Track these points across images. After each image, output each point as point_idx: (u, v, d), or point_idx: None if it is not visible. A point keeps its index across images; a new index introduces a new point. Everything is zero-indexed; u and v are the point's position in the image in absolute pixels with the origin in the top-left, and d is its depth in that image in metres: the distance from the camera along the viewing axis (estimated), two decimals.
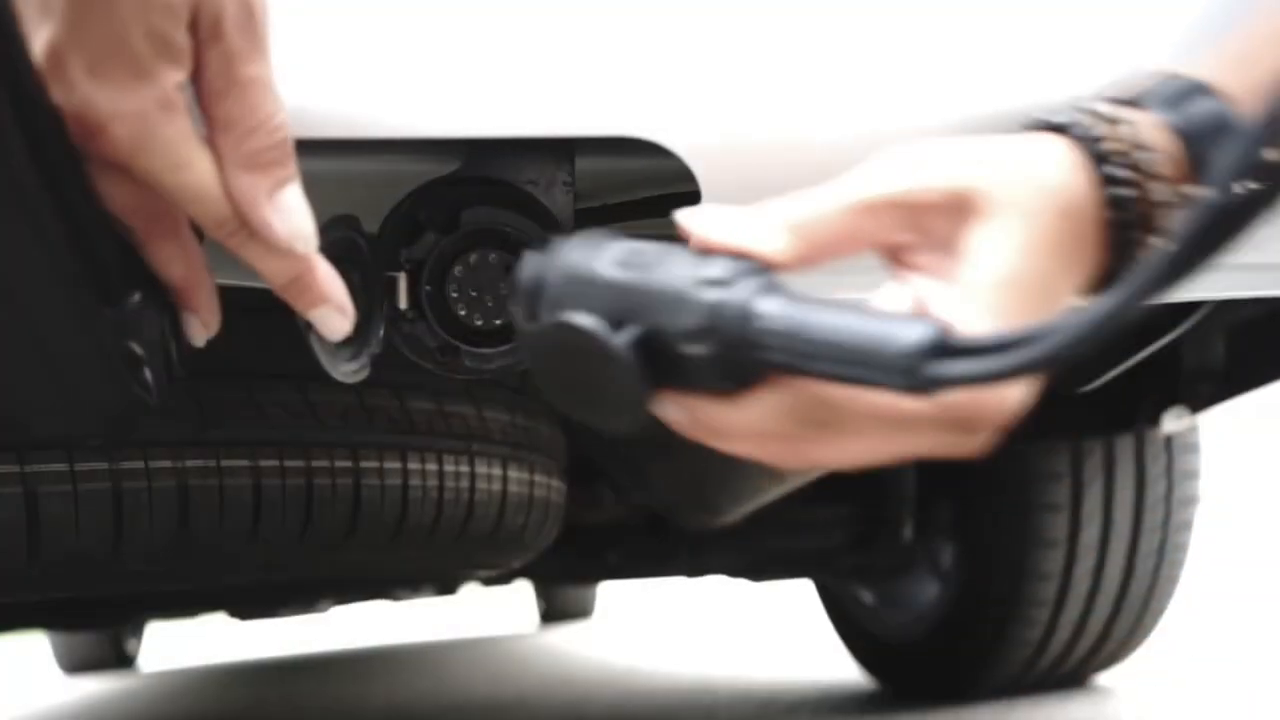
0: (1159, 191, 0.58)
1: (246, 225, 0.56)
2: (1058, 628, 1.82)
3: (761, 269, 0.53)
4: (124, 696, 3.56)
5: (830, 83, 0.67)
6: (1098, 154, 0.58)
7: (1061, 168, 0.58)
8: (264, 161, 0.55)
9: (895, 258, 0.58)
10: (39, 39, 0.50)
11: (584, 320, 0.51)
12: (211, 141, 0.55)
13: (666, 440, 0.61)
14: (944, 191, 0.56)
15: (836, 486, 1.86)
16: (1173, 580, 1.85)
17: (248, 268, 0.58)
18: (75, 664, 4.42)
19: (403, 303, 0.66)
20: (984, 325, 0.53)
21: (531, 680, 2.90)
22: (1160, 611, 1.88)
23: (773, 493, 1.66)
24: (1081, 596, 1.80)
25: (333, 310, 0.60)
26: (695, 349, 0.51)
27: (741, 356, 0.51)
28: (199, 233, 0.59)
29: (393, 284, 0.66)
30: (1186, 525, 1.83)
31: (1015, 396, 0.53)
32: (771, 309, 0.51)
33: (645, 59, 0.65)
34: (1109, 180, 0.57)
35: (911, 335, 0.49)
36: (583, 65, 0.64)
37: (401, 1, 0.63)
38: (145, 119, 0.52)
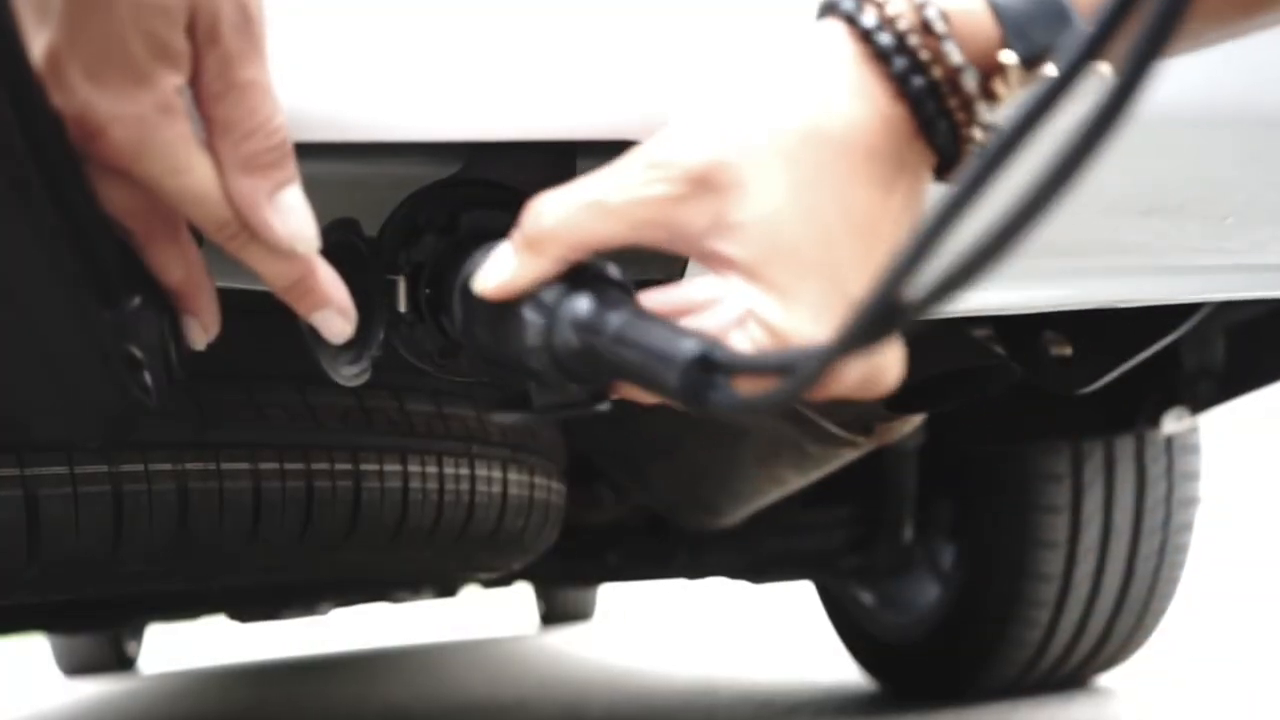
0: (954, 54, 0.51)
1: (247, 228, 0.56)
2: (1058, 629, 1.81)
3: (576, 282, 0.56)
4: (124, 699, 3.56)
5: None
6: (869, 29, 0.51)
7: (817, 85, 0.52)
8: (263, 163, 0.55)
9: (688, 252, 0.55)
10: (38, 43, 0.50)
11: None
12: (211, 145, 0.55)
13: (666, 440, 0.61)
14: (677, 182, 0.53)
15: (837, 487, 1.86)
16: (1173, 581, 1.85)
17: (250, 271, 0.58)
18: (75, 666, 4.42)
19: (402, 306, 0.66)
20: (772, 306, 0.52)
21: (532, 682, 2.90)
22: (1161, 612, 1.88)
23: (772, 493, 1.66)
24: (1082, 598, 1.80)
25: (335, 313, 0.60)
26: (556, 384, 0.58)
27: (585, 371, 0.56)
28: (198, 236, 0.59)
29: (392, 287, 0.66)
30: (1187, 526, 1.83)
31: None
32: (573, 331, 0.55)
33: (646, 61, 0.65)
34: (882, 55, 0.51)
35: (684, 352, 0.51)
36: (583, 68, 0.64)
37: (402, 3, 0.63)
38: (144, 123, 0.52)
